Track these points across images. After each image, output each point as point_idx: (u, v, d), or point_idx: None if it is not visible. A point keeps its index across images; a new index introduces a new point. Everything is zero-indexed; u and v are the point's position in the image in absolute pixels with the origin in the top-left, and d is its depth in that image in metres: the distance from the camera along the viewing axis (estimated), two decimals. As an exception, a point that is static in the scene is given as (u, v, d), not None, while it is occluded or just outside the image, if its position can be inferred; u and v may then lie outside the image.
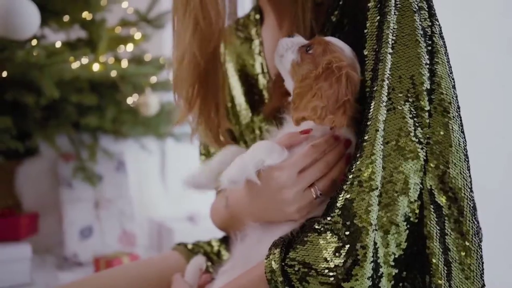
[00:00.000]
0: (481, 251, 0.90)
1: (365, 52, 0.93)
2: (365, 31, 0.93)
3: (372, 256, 0.84)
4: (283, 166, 0.93)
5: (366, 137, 0.88)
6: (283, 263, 0.89)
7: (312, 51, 0.95)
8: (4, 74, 1.80)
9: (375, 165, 0.86)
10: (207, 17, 1.05)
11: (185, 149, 2.56)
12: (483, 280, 0.89)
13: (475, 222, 0.90)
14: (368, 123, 0.88)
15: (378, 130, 0.87)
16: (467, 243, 0.89)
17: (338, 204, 0.87)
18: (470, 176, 0.91)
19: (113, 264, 2.09)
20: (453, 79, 0.93)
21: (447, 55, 0.93)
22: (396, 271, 0.87)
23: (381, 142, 0.87)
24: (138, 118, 2.28)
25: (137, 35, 2.29)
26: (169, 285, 1.11)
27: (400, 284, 0.89)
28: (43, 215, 2.30)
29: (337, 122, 0.90)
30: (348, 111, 0.90)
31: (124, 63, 2.21)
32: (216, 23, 1.06)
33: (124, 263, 2.06)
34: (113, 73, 2.04)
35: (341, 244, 0.85)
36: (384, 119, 0.88)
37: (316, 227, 0.88)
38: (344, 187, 0.87)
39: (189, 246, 1.26)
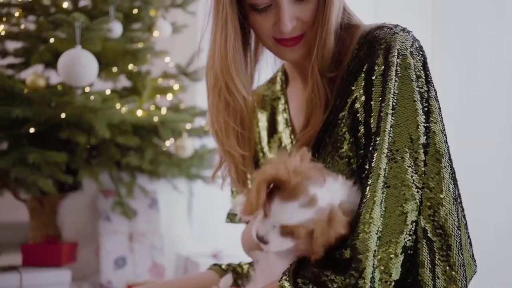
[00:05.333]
0: (465, 281, 1.08)
1: (372, 112, 1.12)
2: (372, 89, 1.13)
3: (370, 281, 1.01)
4: None
5: (369, 182, 1.07)
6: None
7: None
8: (63, 115, 2.06)
9: (376, 207, 1.05)
10: (235, 99, 1.22)
11: (212, 191, 2.78)
12: None
13: (461, 256, 1.08)
14: (371, 170, 1.07)
15: (379, 176, 1.06)
16: (453, 273, 1.07)
17: (347, 240, 1.05)
18: (457, 216, 1.10)
19: (144, 291, 2.28)
20: (445, 135, 1.13)
21: (441, 115, 1.13)
22: None
23: (382, 187, 1.06)
24: (172, 160, 2.51)
25: (176, 86, 2.57)
26: None
27: None
28: (82, 245, 2.49)
29: None
30: None
31: (163, 111, 2.47)
32: (244, 100, 1.22)
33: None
34: (155, 119, 2.29)
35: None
36: (385, 167, 1.07)
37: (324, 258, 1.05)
38: (354, 226, 1.05)
39: (223, 267, 1.45)
